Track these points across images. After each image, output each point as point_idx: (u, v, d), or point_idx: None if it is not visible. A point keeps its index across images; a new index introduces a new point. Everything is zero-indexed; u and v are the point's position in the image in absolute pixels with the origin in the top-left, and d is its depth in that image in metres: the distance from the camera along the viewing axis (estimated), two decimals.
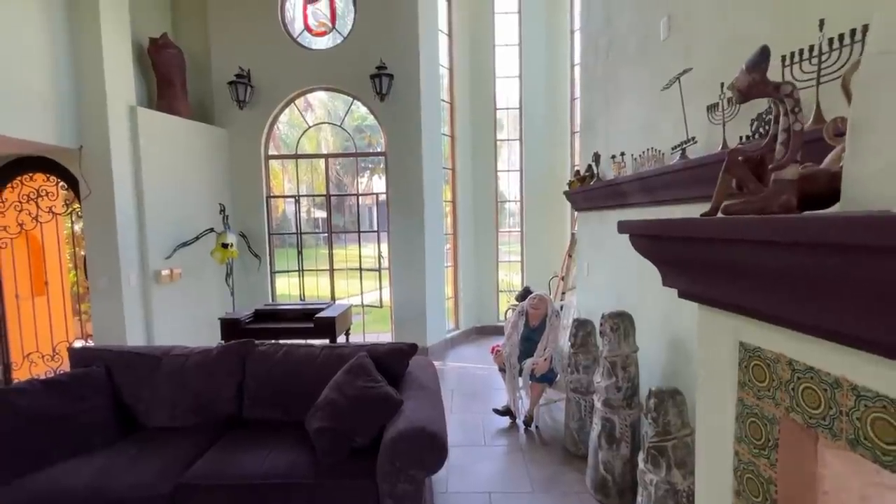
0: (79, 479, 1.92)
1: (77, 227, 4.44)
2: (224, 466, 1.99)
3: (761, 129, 1.57)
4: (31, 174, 4.00)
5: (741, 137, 1.67)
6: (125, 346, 2.82)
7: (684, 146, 2.04)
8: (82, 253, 4.30)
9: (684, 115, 2.07)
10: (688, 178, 1.95)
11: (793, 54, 1.36)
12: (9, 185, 4.01)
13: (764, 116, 1.56)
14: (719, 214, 0.83)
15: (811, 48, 1.32)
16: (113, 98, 3.68)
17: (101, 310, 3.77)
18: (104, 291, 3.74)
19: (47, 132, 3.40)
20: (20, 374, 4.09)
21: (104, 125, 3.64)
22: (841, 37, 1.24)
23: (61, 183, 3.98)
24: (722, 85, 1.76)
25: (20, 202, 4.01)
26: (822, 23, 1.29)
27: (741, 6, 1.79)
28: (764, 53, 0.71)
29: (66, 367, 4.12)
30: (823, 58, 1.29)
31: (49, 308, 4.20)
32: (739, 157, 0.80)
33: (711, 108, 1.83)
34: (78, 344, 4.31)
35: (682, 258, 0.93)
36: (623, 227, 1.08)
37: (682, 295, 1.02)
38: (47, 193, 4.04)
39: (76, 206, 3.99)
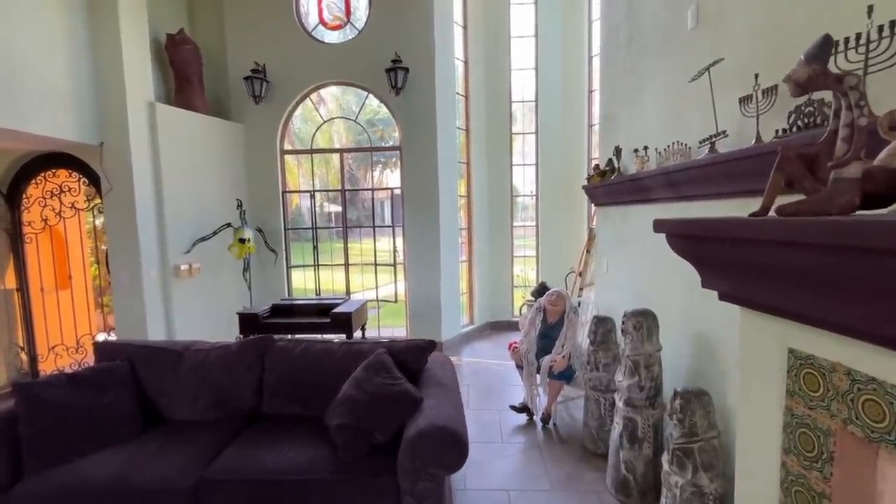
0: (105, 471, 1.96)
1: (98, 222, 4.51)
2: (245, 462, 2.01)
3: (799, 122, 1.50)
4: (54, 170, 4.06)
5: (777, 131, 1.60)
6: (148, 341, 2.86)
7: (714, 140, 1.97)
8: (103, 247, 4.37)
9: (714, 107, 2.00)
10: (717, 173, 1.88)
11: (837, 43, 1.29)
12: (33, 181, 4.08)
13: (803, 109, 1.49)
14: (771, 214, 0.79)
15: (858, 36, 1.25)
16: (132, 94, 3.71)
17: (122, 304, 3.83)
18: (126, 286, 3.79)
19: (69, 129, 3.44)
20: (46, 366, 4.19)
21: (124, 121, 3.67)
22: (892, 24, 1.17)
23: (83, 179, 4.03)
24: (756, 76, 1.69)
25: (44, 198, 4.09)
26: (870, 9, 1.22)
27: None
28: (826, 43, 0.67)
29: (89, 358, 4.22)
30: (872, 46, 1.22)
31: (73, 301, 4.29)
32: (793, 154, 0.75)
33: (744, 100, 1.76)
34: (100, 337, 4.39)
35: (726, 260, 0.88)
36: (660, 225, 1.03)
37: (723, 297, 0.98)
38: (70, 189, 4.11)
39: (97, 201, 4.05)
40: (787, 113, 1.57)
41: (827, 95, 1.43)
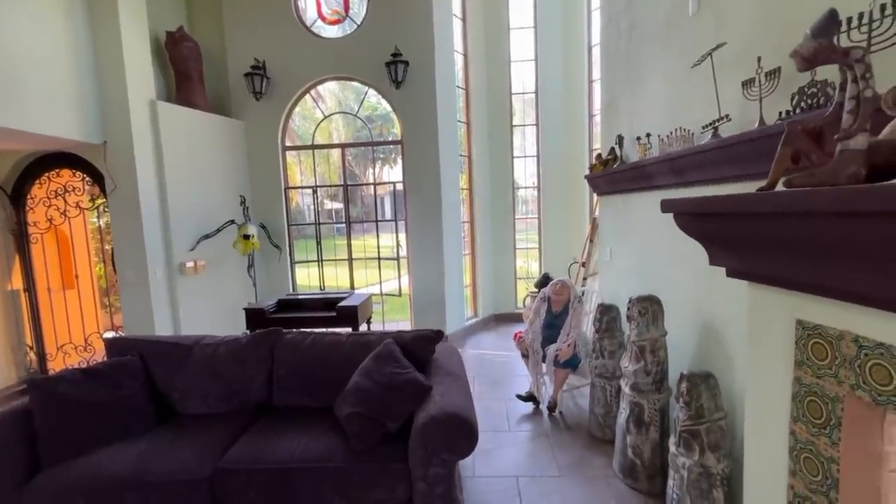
0: (121, 463, 1.99)
1: (102, 222, 4.54)
2: (259, 451, 2.04)
3: (803, 104, 1.51)
4: (57, 170, 4.07)
5: (780, 113, 1.61)
6: (158, 336, 2.89)
7: (717, 124, 1.98)
8: (107, 247, 4.40)
9: (717, 92, 2.01)
10: (722, 158, 1.89)
11: (840, 22, 1.30)
12: (37, 181, 4.10)
13: (806, 90, 1.50)
14: (779, 188, 0.80)
15: (860, 15, 1.26)
16: (134, 93, 3.72)
17: (129, 302, 3.86)
18: (132, 284, 3.82)
19: (73, 128, 3.45)
20: (55, 365, 4.23)
21: (126, 120, 3.68)
22: (895, 2, 1.18)
23: (86, 178, 4.05)
24: (759, 59, 1.70)
25: (48, 198, 4.11)
26: None
27: None
28: (832, 17, 0.68)
29: (98, 357, 4.26)
30: (874, 25, 1.23)
31: (80, 300, 4.32)
32: (800, 128, 0.77)
33: (747, 83, 1.76)
34: (109, 335, 4.43)
35: (734, 235, 0.90)
36: (667, 205, 1.05)
37: (731, 273, 0.99)
38: (74, 189, 4.13)
39: (101, 200, 4.07)
40: (790, 95, 1.58)
41: (830, 75, 1.45)
